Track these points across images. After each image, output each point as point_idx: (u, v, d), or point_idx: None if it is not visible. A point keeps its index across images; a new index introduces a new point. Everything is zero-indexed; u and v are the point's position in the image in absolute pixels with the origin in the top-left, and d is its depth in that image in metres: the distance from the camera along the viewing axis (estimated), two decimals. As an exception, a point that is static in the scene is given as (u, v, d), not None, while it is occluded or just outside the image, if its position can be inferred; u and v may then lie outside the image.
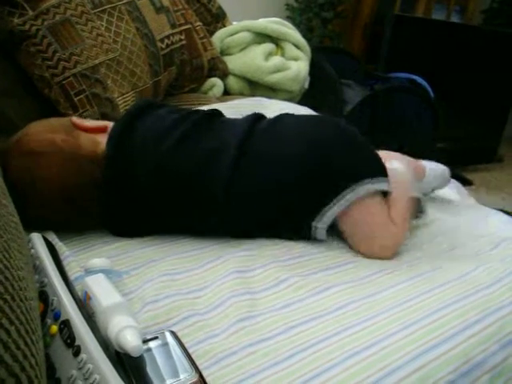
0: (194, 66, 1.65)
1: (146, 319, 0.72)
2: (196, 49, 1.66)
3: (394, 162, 1.08)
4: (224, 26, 1.92)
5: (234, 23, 1.93)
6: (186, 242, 0.95)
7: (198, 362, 0.61)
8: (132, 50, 1.37)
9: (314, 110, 1.63)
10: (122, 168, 0.93)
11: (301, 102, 1.78)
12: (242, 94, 1.82)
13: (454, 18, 4.22)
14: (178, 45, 1.57)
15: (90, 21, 1.30)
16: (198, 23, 1.72)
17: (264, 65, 1.81)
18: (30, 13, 1.21)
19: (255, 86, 1.85)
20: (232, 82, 1.83)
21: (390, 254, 0.98)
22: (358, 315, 0.77)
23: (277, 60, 1.85)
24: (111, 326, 0.59)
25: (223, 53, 1.86)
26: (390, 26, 2.96)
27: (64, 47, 1.23)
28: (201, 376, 0.58)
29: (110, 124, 1.00)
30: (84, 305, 0.66)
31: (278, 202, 0.95)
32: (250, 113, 1.07)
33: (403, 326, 0.74)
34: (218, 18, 1.93)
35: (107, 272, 0.75)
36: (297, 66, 1.90)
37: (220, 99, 1.70)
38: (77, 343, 0.58)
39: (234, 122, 1.04)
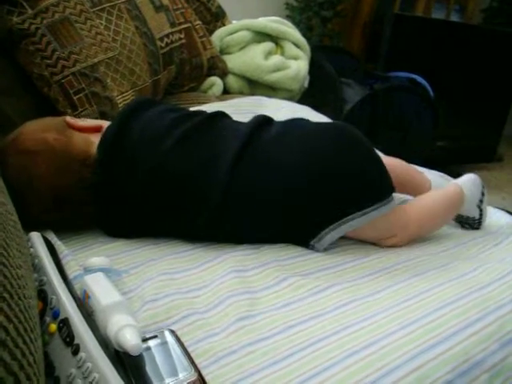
0: (193, 65, 1.64)
1: (146, 318, 0.72)
2: (195, 48, 1.66)
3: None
4: (223, 25, 1.92)
5: (234, 22, 1.93)
6: (184, 241, 0.94)
7: (197, 361, 0.61)
8: (131, 49, 1.37)
9: (314, 109, 1.63)
10: (113, 171, 0.92)
11: (300, 101, 1.78)
12: (241, 93, 1.81)
13: (454, 17, 4.21)
14: (177, 43, 1.57)
15: (89, 19, 1.30)
16: (198, 22, 1.72)
17: (264, 64, 1.81)
18: (29, 11, 1.21)
19: (255, 85, 1.85)
20: (231, 80, 1.83)
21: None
22: (357, 314, 0.77)
23: (276, 59, 1.85)
24: (110, 325, 0.59)
25: (223, 52, 1.86)
26: (390, 25, 2.96)
27: (63, 46, 1.23)
28: (200, 375, 0.58)
29: (105, 123, 0.99)
30: (83, 303, 0.66)
31: (276, 213, 0.94)
32: (250, 112, 1.06)
33: (402, 326, 0.74)
34: (217, 17, 1.93)
35: (106, 271, 0.75)
36: (296, 64, 1.90)
37: (219, 98, 1.69)
38: (76, 342, 0.58)
39: (237, 125, 1.02)
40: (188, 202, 0.93)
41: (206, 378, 0.59)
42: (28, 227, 0.76)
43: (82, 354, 0.56)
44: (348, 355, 0.68)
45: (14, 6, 1.20)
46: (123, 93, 1.33)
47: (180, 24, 1.60)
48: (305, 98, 1.93)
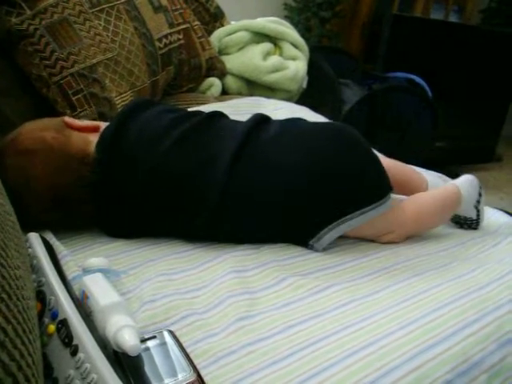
0: (192, 66, 1.64)
1: (144, 318, 0.72)
2: (194, 48, 1.66)
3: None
4: (222, 26, 1.92)
5: (233, 23, 1.93)
6: (183, 241, 0.94)
7: (196, 362, 0.61)
8: (130, 50, 1.37)
9: (313, 109, 1.63)
10: (111, 171, 0.92)
11: (299, 102, 1.78)
12: (240, 94, 1.81)
13: (452, 18, 4.22)
14: (176, 44, 1.56)
15: (88, 20, 1.30)
16: (196, 23, 1.72)
17: (262, 64, 1.81)
18: (28, 12, 1.21)
19: (253, 86, 1.85)
20: (230, 81, 1.83)
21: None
22: (357, 314, 0.77)
23: (275, 59, 1.85)
24: (109, 326, 0.59)
25: (221, 52, 1.86)
26: (388, 25, 2.96)
27: (62, 47, 1.23)
28: (199, 375, 0.58)
29: (102, 124, 1.00)
30: (82, 304, 0.66)
31: (274, 213, 0.94)
32: (248, 112, 1.06)
33: (401, 326, 0.74)
34: (216, 18, 1.93)
35: (105, 271, 0.75)
36: (295, 65, 1.90)
37: (218, 99, 1.69)
38: (74, 342, 0.58)
39: (234, 125, 1.02)
40: (187, 202, 0.93)
41: (205, 379, 0.59)
42: (26, 228, 0.76)
43: (80, 355, 0.56)
44: (347, 355, 0.68)
45: (12, 7, 1.20)
46: (122, 93, 1.33)
47: (179, 25, 1.60)
48: (303, 99, 1.93)
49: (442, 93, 2.70)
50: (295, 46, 1.95)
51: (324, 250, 0.96)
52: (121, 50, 1.34)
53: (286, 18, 3.45)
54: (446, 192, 1.12)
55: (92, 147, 0.93)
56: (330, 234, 0.94)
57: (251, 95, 1.75)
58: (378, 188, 0.99)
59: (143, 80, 1.41)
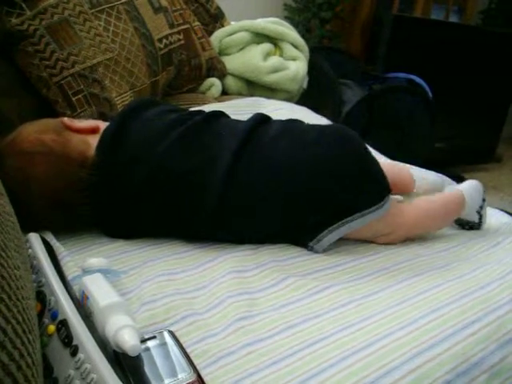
0: (192, 66, 1.64)
1: (144, 319, 0.72)
2: (194, 49, 1.66)
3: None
4: (222, 26, 1.92)
5: (233, 23, 1.93)
6: (183, 241, 0.94)
7: (196, 362, 0.61)
8: (130, 50, 1.37)
9: (313, 110, 1.63)
10: (111, 172, 0.92)
11: (299, 102, 1.78)
12: (240, 94, 1.81)
13: (453, 19, 4.22)
14: (176, 45, 1.57)
15: (88, 20, 1.30)
16: (197, 23, 1.72)
17: (262, 65, 1.81)
18: (28, 12, 1.21)
19: (254, 86, 1.85)
20: (230, 82, 1.83)
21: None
22: (356, 315, 0.77)
23: (275, 60, 1.85)
24: (109, 326, 0.59)
25: (221, 53, 1.86)
26: (389, 26, 2.96)
27: (62, 47, 1.23)
28: (199, 375, 0.58)
29: (102, 124, 0.99)
30: (81, 305, 0.66)
31: (274, 214, 0.94)
32: (249, 113, 1.06)
33: (401, 326, 0.74)
34: (216, 18, 1.93)
35: (105, 272, 0.75)
36: (295, 66, 1.90)
37: (218, 99, 1.69)
38: (74, 343, 0.58)
39: (235, 124, 1.02)
40: (187, 202, 0.93)
41: (205, 379, 0.59)
42: (26, 228, 0.76)
43: (80, 355, 0.56)
44: (347, 355, 0.68)
45: (12, 7, 1.20)
46: (122, 94, 1.33)
47: (179, 25, 1.60)
48: (303, 99, 1.93)
49: (442, 93, 2.70)
50: (295, 46, 1.95)
51: (324, 250, 0.95)
52: (121, 50, 1.35)
53: (287, 18, 3.45)
54: (451, 197, 1.13)
55: (92, 150, 0.93)
56: (330, 236, 0.94)
57: (251, 96, 1.75)
58: (378, 190, 0.98)
59: (143, 80, 1.41)
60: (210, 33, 1.87)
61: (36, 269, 0.70)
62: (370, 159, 1.00)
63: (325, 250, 0.96)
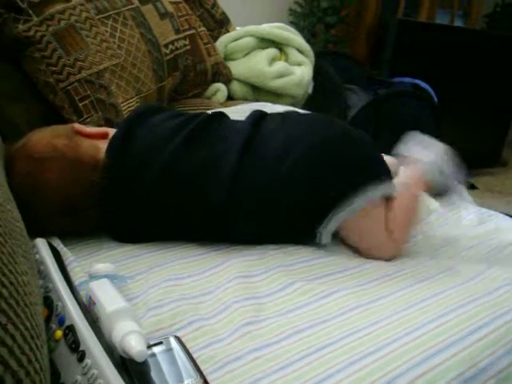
0: (197, 72, 1.65)
1: (151, 324, 0.72)
2: (200, 54, 1.66)
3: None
4: (228, 32, 1.93)
5: (238, 28, 1.94)
6: (189, 246, 0.95)
7: (202, 367, 0.61)
8: (136, 56, 1.38)
9: (318, 115, 1.63)
10: (121, 177, 0.93)
11: (304, 107, 1.78)
12: (245, 99, 1.82)
13: (458, 23, 4.23)
14: (182, 50, 1.57)
15: (95, 26, 1.30)
16: (202, 29, 1.72)
17: (268, 70, 1.81)
18: (35, 19, 1.22)
19: (259, 91, 1.86)
20: (236, 87, 1.83)
21: (388, 258, 0.98)
22: (363, 320, 0.76)
23: (280, 65, 1.85)
24: (116, 331, 0.59)
25: (227, 58, 1.86)
26: (394, 30, 2.97)
27: (68, 53, 1.24)
28: (205, 381, 0.58)
29: (111, 130, 1.01)
30: (88, 310, 0.66)
31: (282, 204, 0.95)
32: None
33: (407, 332, 0.74)
34: (221, 24, 1.94)
35: (111, 277, 0.75)
36: (301, 71, 1.90)
37: (224, 104, 1.70)
38: (81, 348, 0.58)
39: (236, 123, 1.04)
40: (196, 202, 0.94)
41: (212, 385, 0.59)
42: (34, 233, 0.76)
43: (87, 361, 0.56)
44: (354, 361, 0.68)
45: (19, 14, 1.21)
46: (128, 99, 1.34)
47: (184, 31, 1.60)
48: (309, 104, 1.93)
49: (447, 98, 2.70)
50: (301, 51, 1.96)
51: (330, 254, 0.95)
52: (127, 56, 1.35)
53: (292, 23, 3.46)
54: (408, 173, 1.12)
55: (102, 153, 0.94)
56: (336, 218, 0.94)
57: (257, 101, 1.75)
58: (378, 168, 1.01)
59: (149, 86, 1.41)
60: (216, 38, 1.87)
61: (43, 274, 0.71)
62: (366, 141, 1.04)
63: (330, 254, 0.95)
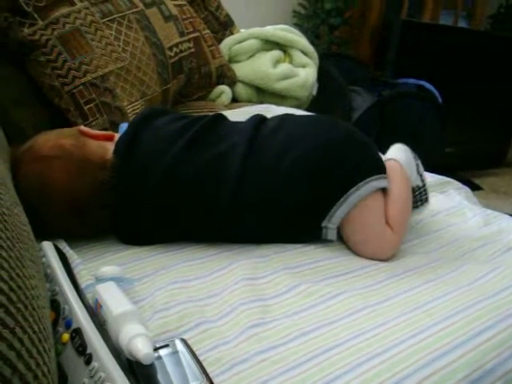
0: (202, 74, 1.65)
1: (157, 327, 0.72)
2: (204, 57, 1.67)
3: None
4: (232, 34, 1.93)
5: (242, 31, 1.94)
6: (195, 249, 0.95)
7: (208, 370, 0.61)
8: (141, 59, 1.38)
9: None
10: (129, 177, 0.94)
11: (309, 109, 1.79)
12: (250, 102, 1.82)
13: (461, 24, 4.22)
14: (186, 53, 1.58)
15: (100, 30, 1.31)
16: (207, 31, 1.73)
17: (272, 72, 1.81)
18: (40, 23, 1.22)
19: (263, 94, 1.86)
20: (240, 89, 1.84)
21: (385, 257, 0.98)
22: (370, 321, 0.77)
23: (285, 67, 1.86)
24: (122, 334, 0.59)
25: (231, 60, 1.87)
26: (398, 31, 2.96)
27: (74, 56, 1.24)
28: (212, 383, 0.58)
29: (116, 134, 1.01)
30: (95, 313, 0.66)
31: (287, 202, 0.95)
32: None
33: (413, 333, 0.74)
34: (225, 26, 1.94)
35: (118, 280, 0.75)
36: (305, 72, 1.90)
37: (228, 107, 1.70)
38: (88, 351, 0.58)
39: (238, 124, 1.04)
40: (201, 204, 0.94)
41: (218, 387, 0.59)
42: (40, 236, 0.77)
43: (94, 364, 0.56)
44: (361, 363, 0.68)
45: (24, 18, 1.21)
46: (133, 102, 1.34)
47: (189, 33, 1.61)
48: (313, 106, 1.93)
49: (451, 98, 2.70)
50: (305, 53, 1.96)
51: (335, 256, 0.95)
52: (132, 59, 1.36)
53: (296, 25, 3.46)
54: (394, 172, 1.09)
55: (110, 154, 0.94)
56: (341, 210, 0.95)
57: (261, 103, 1.76)
58: (377, 162, 1.02)
59: (154, 89, 1.42)
60: (220, 40, 1.88)
61: (50, 277, 0.71)
62: (367, 140, 1.05)
63: (336, 255, 0.95)
